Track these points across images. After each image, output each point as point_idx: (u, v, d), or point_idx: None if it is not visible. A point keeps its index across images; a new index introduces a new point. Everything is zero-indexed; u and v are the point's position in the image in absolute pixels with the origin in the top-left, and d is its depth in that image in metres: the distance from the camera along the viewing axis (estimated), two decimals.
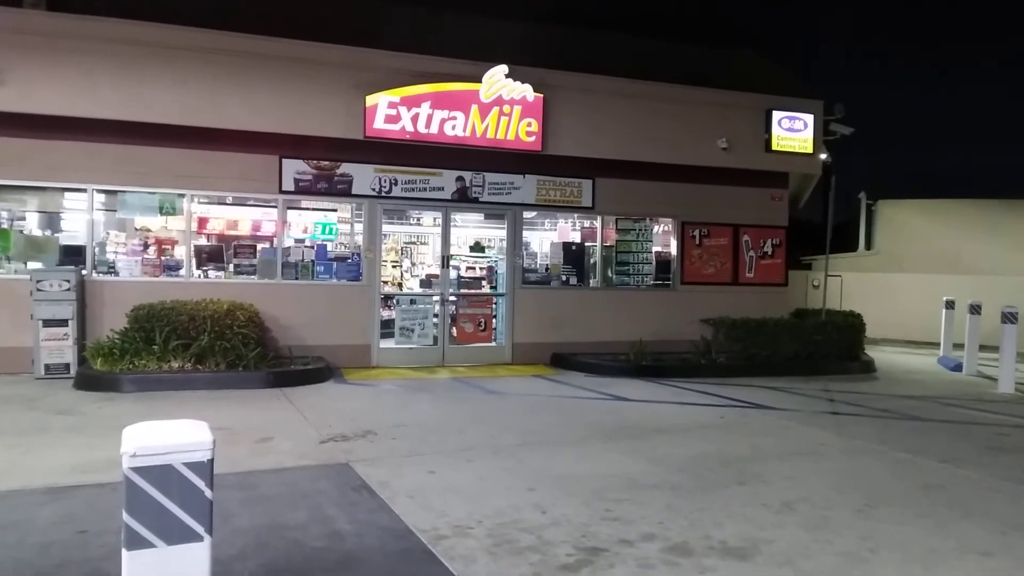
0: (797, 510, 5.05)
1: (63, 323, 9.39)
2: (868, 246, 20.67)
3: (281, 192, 10.91)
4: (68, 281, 9.45)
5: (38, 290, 9.31)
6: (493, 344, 12.11)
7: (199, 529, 2.41)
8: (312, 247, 11.35)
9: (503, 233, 12.35)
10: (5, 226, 10.12)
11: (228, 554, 3.94)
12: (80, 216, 10.38)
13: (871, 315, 13.60)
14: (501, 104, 11.31)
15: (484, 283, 12.49)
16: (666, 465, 6.13)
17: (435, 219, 12.22)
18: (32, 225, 10.57)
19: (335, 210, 11.86)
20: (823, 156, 13.79)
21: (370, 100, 10.74)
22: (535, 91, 11.45)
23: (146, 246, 10.60)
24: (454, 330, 11.92)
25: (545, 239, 13.18)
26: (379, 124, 10.80)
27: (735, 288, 13.36)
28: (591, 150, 12.08)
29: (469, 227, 12.98)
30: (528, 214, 12.50)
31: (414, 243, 13.32)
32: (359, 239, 11.58)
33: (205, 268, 10.80)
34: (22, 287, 9.46)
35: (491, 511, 4.85)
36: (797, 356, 11.69)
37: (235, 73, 10.33)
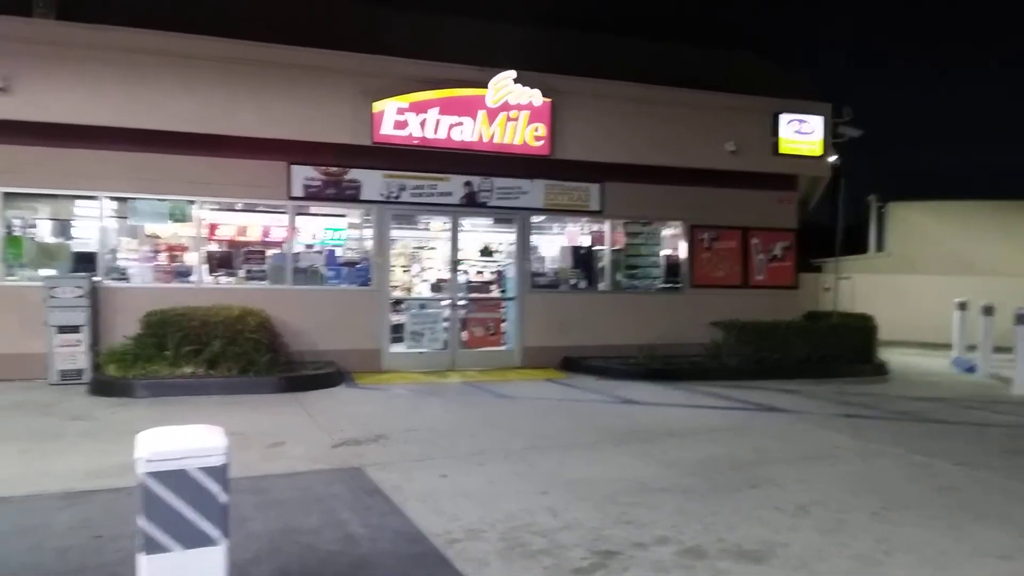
0: (811, 513, 5.02)
1: (76, 329, 9.45)
2: (879, 248, 20.58)
3: (290, 198, 10.96)
4: (81, 288, 9.52)
5: (51, 297, 9.38)
6: (503, 348, 12.11)
7: (214, 533, 2.42)
8: (322, 252, 11.40)
9: (512, 237, 12.36)
10: (18, 233, 10.20)
11: (243, 558, 3.95)
12: (92, 223, 10.45)
13: (883, 317, 13.52)
14: (508, 109, 11.33)
15: (493, 287, 12.50)
16: (678, 468, 6.11)
17: (444, 224, 12.24)
18: (44, 232, 10.66)
19: (344, 216, 11.91)
20: (832, 159, 13.75)
21: (378, 106, 10.78)
22: (543, 96, 11.47)
23: (157, 253, 10.67)
24: (464, 334, 11.92)
25: (554, 243, 13.18)
26: (387, 130, 10.84)
27: (745, 291, 13.32)
28: (599, 154, 12.08)
29: (478, 232, 13.00)
30: (537, 218, 12.51)
31: (423, 248, 13.34)
32: (368, 244, 11.62)
33: (216, 274, 10.86)
34: (35, 294, 9.53)
35: (503, 515, 4.85)
36: (808, 359, 11.64)
37: (245, 81, 10.40)
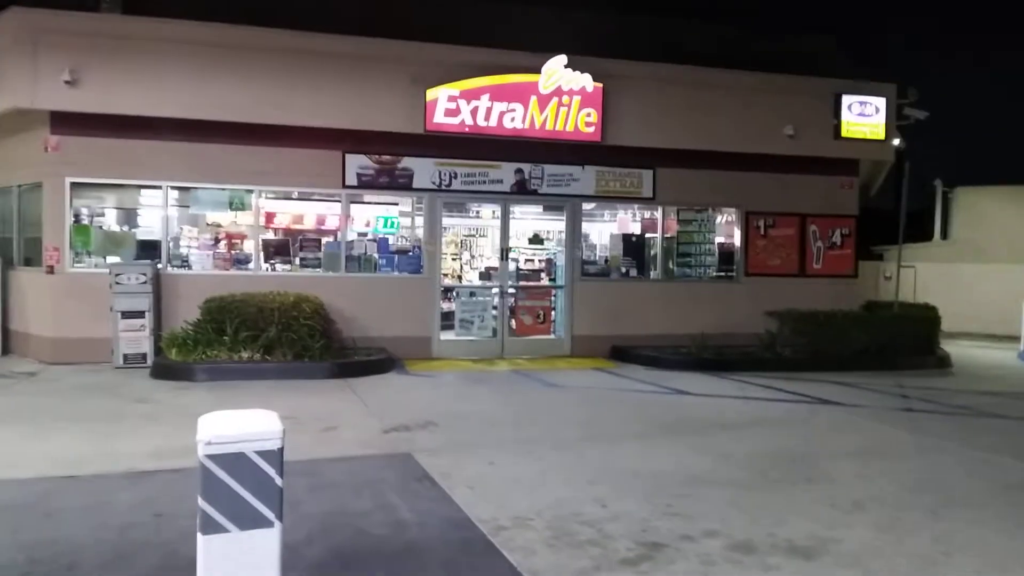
0: (867, 509, 4.90)
1: (140, 315, 9.81)
2: (944, 235, 19.78)
3: (344, 187, 11.12)
4: (144, 275, 9.86)
5: (116, 283, 9.74)
6: (552, 336, 12.10)
7: (270, 515, 2.49)
8: (375, 240, 11.55)
9: (562, 225, 12.30)
10: (85, 222, 10.61)
11: (296, 539, 4.06)
12: (155, 212, 10.80)
13: (947, 307, 13.04)
14: (560, 95, 11.25)
15: (543, 275, 12.48)
16: (729, 461, 6.03)
17: (494, 212, 12.26)
18: (111, 221, 11.06)
19: (396, 204, 12.03)
20: (896, 142, 13.26)
21: (430, 94, 10.83)
22: (595, 81, 11.35)
23: (217, 240, 10.98)
24: (513, 322, 11.96)
25: (605, 230, 13.07)
26: (439, 118, 10.89)
27: (802, 280, 12.98)
28: (652, 139, 11.91)
29: (528, 219, 12.98)
30: (587, 205, 12.41)
31: (473, 235, 13.40)
32: (420, 232, 11.72)
33: (272, 261, 11.12)
34: (102, 281, 9.91)
35: (550, 503, 4.86)
36: (867, 350, 11.30)
37: (300, 71, 10.56)
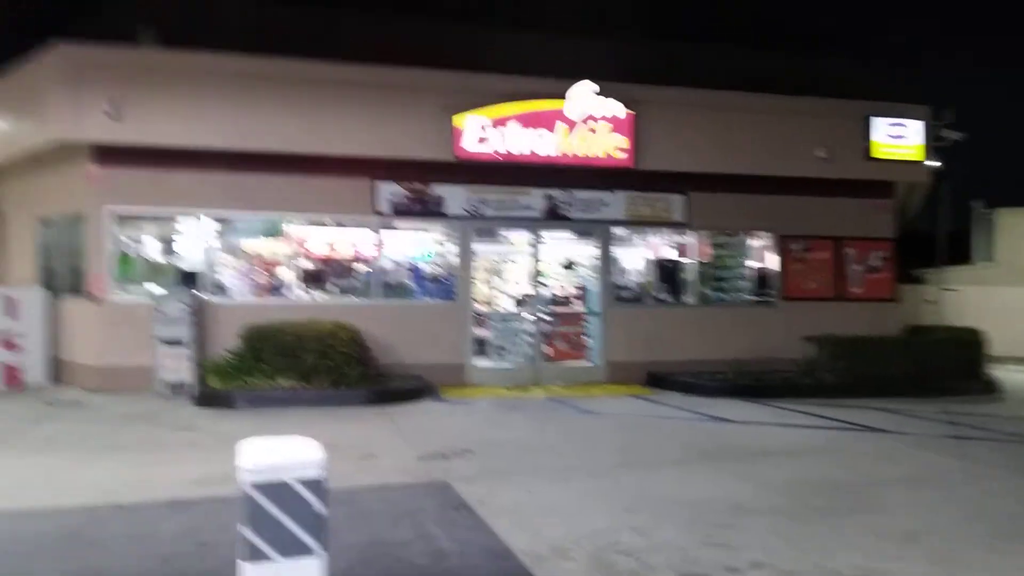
0: (919, 541, 4.74)
1: (181, 343, 9.98)
2: (986, 258, 19.32)
3: (376, 214, 11.26)
4: (185, 303, 10.06)
5: (158, 312, 9.94)
6: (587, 363, 12.02)
7: (313, 544, 2.49)
8: (407, 268, 11.64)
9: (594, 250, 12.28)
10: (127, 252, 10.86)
11: (338, 568, 4.03)
12: (194, 241, 11.03)
13: (992, 331, 12.68)
14: (590, 121, 11.30)
15: (576, 301, 12.44)
16: (772, 489, 5.90)
17: (525, 238, 12.29)
18: (152, 251, 11.31)
19: (429, 231, 12.13)
20: (931, 163, 13.05)
21: (460, 122, 10.95)
22: (624, 106, 11.39)
23: (254, 269, 11.15)
24: (547, 349, 11.91)
25: (637, 256, 13.00)
26: (468, 145, 11.00)
27: (840, 304, 12.77)
28: (683, 164, 11.88)
29: (560, 245, 12.97)
30: (619, 231, 12.38)
31: (505, 262, 13.42)
32: (452, 259, 11.79)
33: (309, 289, 11.25)
34: (144, 310, 10.13)
35: (589, 532, 4.79)
36: (910, 376, 11.02)
37: (333, 100, 10.77)
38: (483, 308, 12.20)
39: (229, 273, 11.12)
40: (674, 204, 12.23)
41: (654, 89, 11.71)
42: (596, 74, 11.34)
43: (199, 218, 10.86)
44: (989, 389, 11.51)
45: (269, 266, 11.23)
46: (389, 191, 11.25)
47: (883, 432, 8.38)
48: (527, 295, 12.18)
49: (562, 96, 11.22)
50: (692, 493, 5.76)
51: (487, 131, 11.02)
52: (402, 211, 11.35)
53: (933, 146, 13.02)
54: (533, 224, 11.87)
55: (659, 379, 11.51)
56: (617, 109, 11.34)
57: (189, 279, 10.77)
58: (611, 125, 11.36)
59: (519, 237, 12.62)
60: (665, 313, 12.25)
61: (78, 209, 10.72)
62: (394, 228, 11.76)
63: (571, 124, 11.25)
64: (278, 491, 2.45)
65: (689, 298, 12.51)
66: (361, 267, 11.46)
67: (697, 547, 4.55)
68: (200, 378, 9.94)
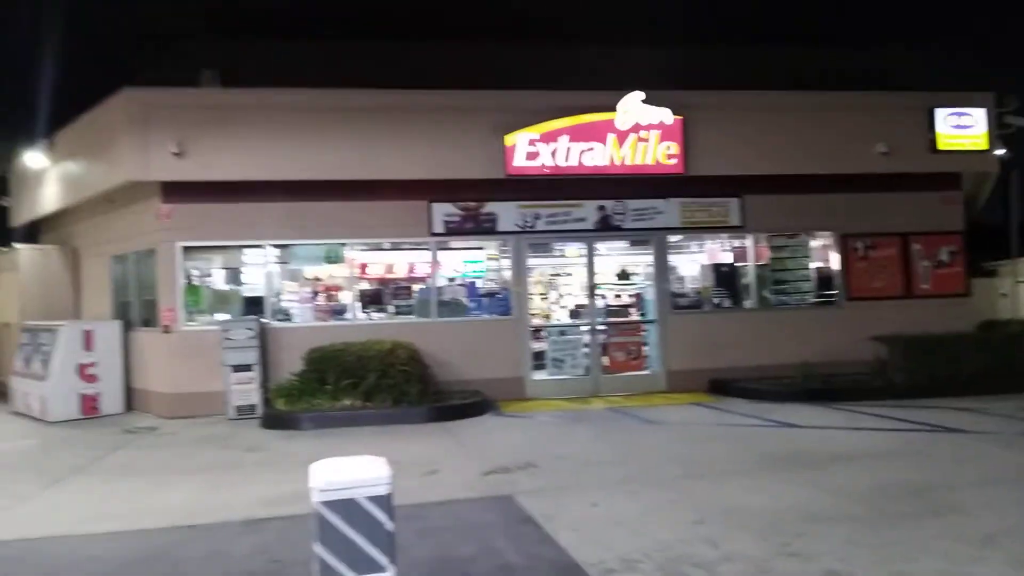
0: (1001, 545, 4.53)
1: (248, 368, 10.29)
2: None
3: (432, 234, 11.42)
4: (251, 329, 10.37)
5: (226, 339, 10.28)
6: (647, 372, 11.89)
7: (383, 560, 2.54)
8: (463, 285, 11.76)
9: (649, 259, 12.18)
10: (195, 283, 11.28)
11: None
12: (258, 269, 11.39)
13: None
14: (639, 130, 11.25)
15: (633, 310, 12.34)
16: (846, 496, 5.72)
17: (579, 250, 12.28)
18: (218, 280, 11.71)
19: (483, 248, 12.23)
20: (999, 152, 12.53)
21: (509, 139, 11.04)
22: (673, 113, 11.30)
23: (315, 293, 11.44)
24: (605, 359, 11.84)
25: (693, 262, 12.84)
26: (519, 161, 11.07)
27: (909, 302, 12.31)
28: (737, 167, 11.70)
29: (614, 255, 12.92)
30: (674, 238, 12.26)
31: (559, 274, 13.42)
32: (507, 274, 11.85)
33: (368, 310, 11.47)
34: (212, 337, 10.48)
35: (658, 544, 4.73)
36: (986, 373, 10.52)
37: (385, 127, 11.00)
38: (539, 321, 12.21)
39: (291, 298, 11.43)
40: (729, 208, 12.04)
41: (703, 94, 11.60)
42: (643, 83, 11.29)
43: (262, 247, 11.21)
44: None
45: (329, 290, 11.51)
46: (444, 211, 11.41)
47: (960, 432, 8.03)
48: (583, 306, 12.14)
49: (610, 108, 11.20)
50: (763, 502, 5.63)
51: (538, 147, 11.08)
52: (457, 230, 11.48)
53: (999, 134, 12.50)
54: (587, 236, 11.86)
55: (722, 386, 11.30)
56: (665, 116, 11.27)
57: (254, 306, 11.11)
58: (660, 132, 11.28)
59: (573, 249, 12.62)
60: (725, 318, 12.04)
61: (149, 245, 11.20)
62: (449, 248, 11.91)
63: (621, 135, 11.22)
64: (347, 508, 2.50)
65: (749, 302, 12.26)
66: (418, 286, 11.63)
67: (771, 557, 4.45)
68: (267, 401, 10.22)
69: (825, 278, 12.47)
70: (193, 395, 10.56)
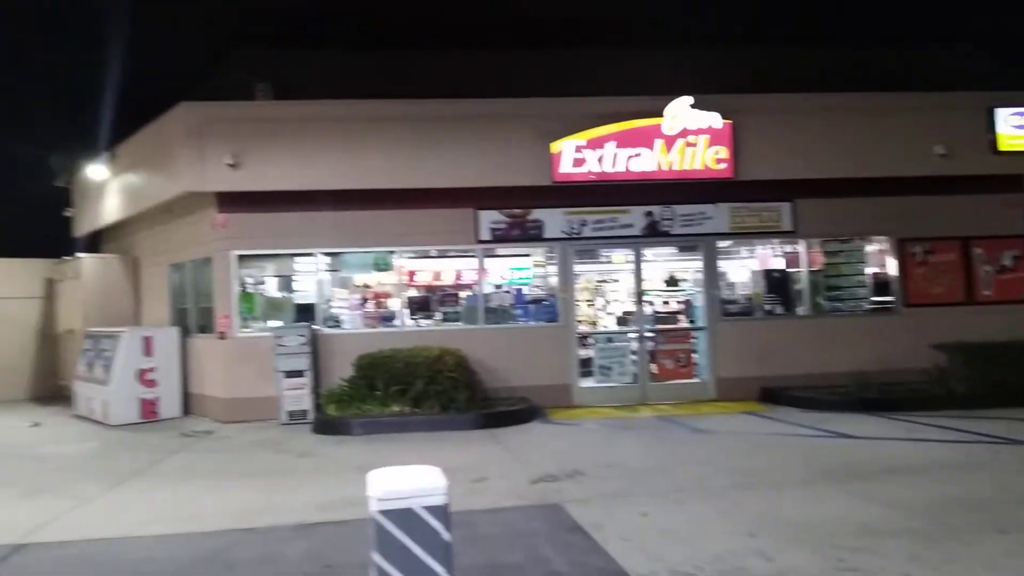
0: None
1: (300, 374, 10.49)
2: None
3: (478, 242, 11.48)
4: (303, 336, 10.58)
5: (279, 345, 10.50)
6: (696, 380, 11.73)
7: (440, 570, 2.56)
8: (509, 292, 11.79)
9: (698, 265, 12.03)
10: (249, 291, 11.56)
11: None
12: (309, 277, 11.62)
13: None
14: (687, 135, 11.14)
15: (681, 317, 12.19)
16: (905, 509, 5.54)
17: (626, 256, 12.19)
18: (271, 288, 11.98)
19: (528, 255, 12.25)
20: None
21: (555, 147, 11.04)
22: (722, 117, 11.16)
23: (365, 300, 11.61)
24: (653, 367, 11.72)
25: (743, 268, 12.62)
26: (565, 168, 11.06)
27: (971, 308, 11.89)
28: (788, 171, 11.47)
29: (661, 261, 12.79)
30: (723, 243, 12.08)
31: (606, 281, 13.35)
32: (553, 281, 11.84)
33: (416, 317, 11.59)
34: (266, 344, 10.72)
35: (710, 556, 4.66)
36: None
37: (432, 136, 11.12)
38: (586, 328, 12.16)
39: (341, 305, 11.62)
40: (781, 212, 11.82)
41: (753, 97, 11.42)
42: (690, 87, 11.18)
43: (313, 255, 11.44)
44: None
45: (378, 297, 11.67)
46: (490, 219, 11.47)
47: None
48: (630, 313, 12.05)
49: (657, 113, 11.11)
50: (818, 515, 5.49)
51: (584, 154, 11.06)
52: (503, 237, 11.53)
53: None
54: (634, 242, 11.78)
55: (774, 394, 11.07)
56: (714, 120, 11.13)
57: (305, 313, 11.33)
58: (709, 137, 11.15)
59: (620, 255, 12.54)
60: (777, 325, 11.80)
61: (205, 253, 11.53)
62: (496, 255, 11.96)
63: (669, 140, 11.12)
64: (405, 518, 2.53)
65: (802, 309, 12.00)
66: (465, 293, 11.70)
67: (827, 572, 4.34)
68: (318, 406, 10.39)
69: (881, 284, 12.13)
70: (247, 400, 10.81)
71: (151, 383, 11.38)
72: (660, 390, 11.56)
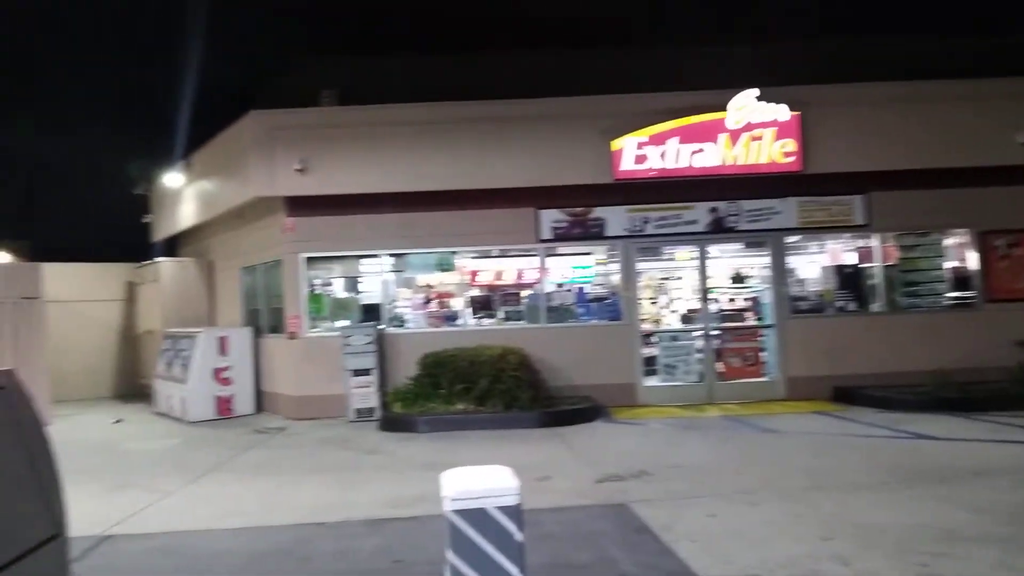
0: None
1: (367, 372, 10.71)
2: None
3: (540, 241, 11.48)
4: (370, 335, 10.79)
5: (346, 345, 10.74)
6: (764, 379, 11.45)
7: (513, 570, 2.57)
8: (571, 290, 11.75)
9: (765, 261, 11.75)
10: (318, 292, 11.85)
11: None
12: (374, 278, 11.84)
13: None
14: (752, 128, 10.89)
15: (748, 315, 11.92)
16: (991, 514, 5.29)
17: (690, 253, 12.00)
18: (337, 288, 12.26)
19: (590, 253, 12.18)
20: None
21: (617, 144, 10.95)
22: (789, 109, 10.86)
23: (428, 300, 11.77)
24: (720, 365, 11.50)
25: (813, 263, 12.26)
26: (627, 165, 10.96)
27: None
28: (860, 163, 11.09)
29: (726, 257, 12.54)
30: (791, 238, 11.76)
31: (669, 278, 13.16)
32: (615, 279, 11.75)
33: (478, 316, 11.68)
34: (334, 343, 10.98)
35: (783, 560, 4.55)
36: None
37: (494, 136, 11.19)
38: (650, 326, 12.02)
39: (405, 305, 11.80)
40: (852, 206, 11.43)
41: (821, 88, 11.08)
42: (755, 79, 10.92)
43: (378, 256, 11.66)
44: None
45: (441, 296, 11.81)
46: (551, 218, 11.46)
47: None
48: (695, 311, 11.85)
49: (721, 107, 10.89)
50: (897, 518, 5.30)
51: (646, 150, 10.94)
52: (564, 236, 11.50)
53: None
54: (698, 239, 11.58)
55: (847, 394, 10.72)
56: (781, 113, 10.85)
57: (371, 313, 11.56)
58: (776, 130, 10.88)
59: (683, 252, 12.35)
60: (849, 322, 11.42)
61: (275, 256, 11.89)
62: (557, 253, 11.94)
63: (733, 134, 10.90)
64: (478, 518, 2.55)
65: (876, 305, 11.59)
66: (526, 292, 11.72)
67: None
68: (384, 404, 10.59)
69: (961, 279, 11.60)
70: (316, 398, 11.10)
71: (226, 381, 11.79)
72: (727, 389, 11.34)
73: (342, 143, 11.15)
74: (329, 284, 12.16)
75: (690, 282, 12.33)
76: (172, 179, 14.24)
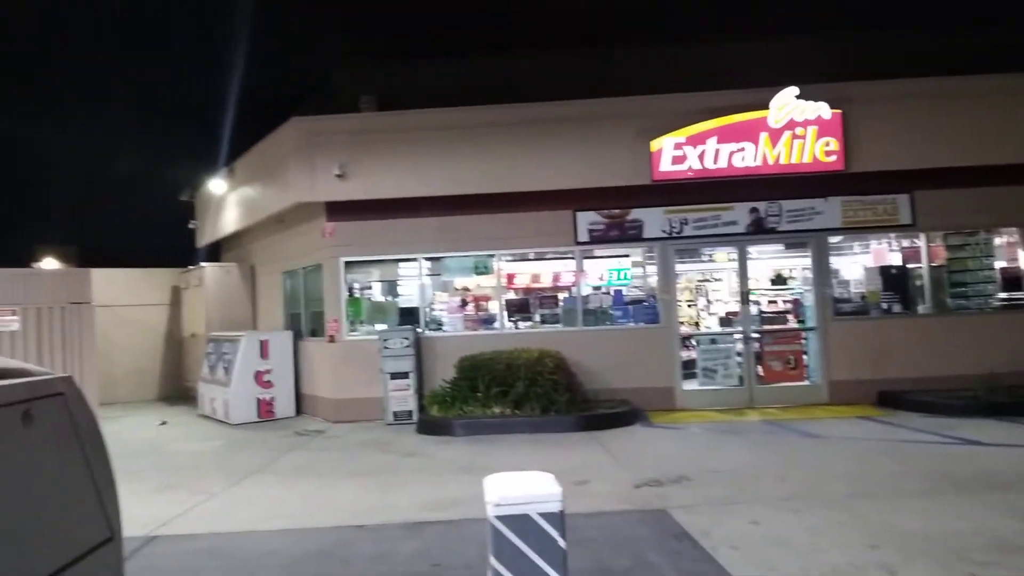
0: None
1: (405, 375, 10.80)
2: None
3: (577, 243, 11.45)
4: (407, 339, 10.88)
5: (385, 348, 10.84)
6: (806, 383, 11.25)
7: None
8: (608, 293, 11.69)
9: (806, 262, 11.54)
10: (356, 295, 11.99)
11: None
12: (412, 281, 11.94)
13: None
14: (793, 127, 10.71)
15: (790, 317, 11.72)
16: None
17: (729, 254, 11.84)
18: (376, 292, 12.39)
19: (627, 255, 12.11)
20: None
21: (655, 144, 10.87)
22: (831, 107, 10.66)
23: (465, 303, 11.82)
24: (760, 369, 11.32)
25: (857, 264, 12.01)
26: (665, 166, 10.86)
27: None
28: (906, 161, 10.83)
29: (766, 259, 12.35)
30: (834, 239, 11.53)
31: (708, 280, 13.02)
32: (653, 281, 11.66)
33: (515, 319, 11.69)
34: (372, 346, 11.09)
35: (828, 568, 4.46)
36: None
37: (530, 139, 11.18)
38: (688, 329, 11.89)
39: (443, 308, 11.87)
40: (898, 205, 11.17)
41: (864, 84, 10.85)
42: (796, 77, 10.74)
43: (415, 260, 11.75)
44: None
45: (478, 300, 11.85)
46: (588, 220, 11.42)
47: None
48: (734, 313, 11.70)
49: (761, 106, 10.74)
50: (944, 526, 5.16)
51: (684, 151, 10.84)
52: (601, 238, 11.45)
53: None
54: (738, 240, 11.42)
55: (892, 398, 10.47)
56: (823, 110, 10.65)
57: (409, 316, 11.65)
58: (818, 128, 10.68)
59: (722, 254, 12.20)
60: (895, 325, 11.15)
61: (315, 261, 12.06)
62: (594, 256, 11.90)
63: (774, 133, 10.73)
64: (521, 524, 2.56)
65: (923, 307, 11.30)
66: (563, 295, 11.70)
67: None
68: (422, 407, 10.66)
69: (1012, 279, 11.25)
70: (355, 401, 11.22)
71: (267, 384, 12.00)
72: (767, 393, 11.16)
73: (380, 148, 11.27)
74: (368, 288, 12.30)
75: (729, 284, 12.18)
76: (216, 186, 14.55)
